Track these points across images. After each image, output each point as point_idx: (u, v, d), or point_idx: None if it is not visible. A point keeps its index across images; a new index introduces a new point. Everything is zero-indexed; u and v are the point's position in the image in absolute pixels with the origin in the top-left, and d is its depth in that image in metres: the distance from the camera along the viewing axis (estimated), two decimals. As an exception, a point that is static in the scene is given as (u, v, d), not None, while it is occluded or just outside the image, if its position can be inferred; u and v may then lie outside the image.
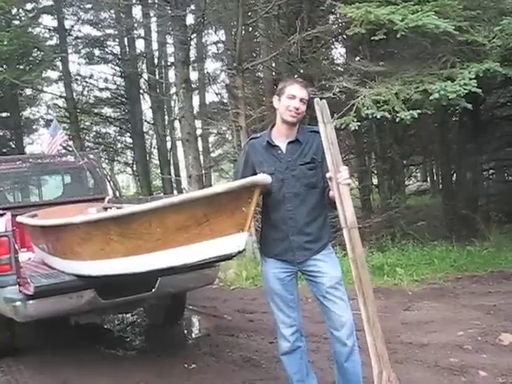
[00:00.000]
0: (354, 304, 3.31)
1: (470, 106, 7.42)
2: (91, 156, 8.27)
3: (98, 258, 4.02)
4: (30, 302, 4.42)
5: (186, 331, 6.58)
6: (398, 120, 7.28)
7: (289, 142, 3.34)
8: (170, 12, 10.73)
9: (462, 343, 4.86)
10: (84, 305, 4.65)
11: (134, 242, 3.59)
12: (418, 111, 7.17)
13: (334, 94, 7.82)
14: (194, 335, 6.44)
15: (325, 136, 3.17)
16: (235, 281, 8.42)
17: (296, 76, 11.60)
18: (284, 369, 3.58)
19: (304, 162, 3.30)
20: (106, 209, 6.56)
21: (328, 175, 3.10)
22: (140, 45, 20.45)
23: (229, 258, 3.35)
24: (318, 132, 3.32)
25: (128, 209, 3.77)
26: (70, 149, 8.17)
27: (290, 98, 3.28)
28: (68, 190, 7.78)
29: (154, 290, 4.89)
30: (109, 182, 8.09)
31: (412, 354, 4.68)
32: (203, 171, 16.94)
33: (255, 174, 3.30)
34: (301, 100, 3.28)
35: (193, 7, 11.93)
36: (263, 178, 2.97)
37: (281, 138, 3.36)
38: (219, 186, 3.13)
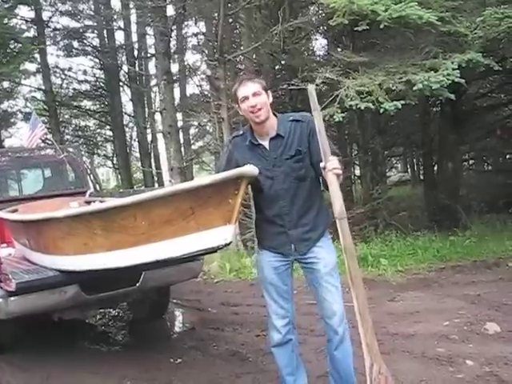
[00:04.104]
0: (346, 296, 3.29)
1: (453, 96, 7.45)
2: (71, 149, 8.16)
3: (82, 253, 3.95)
4: (12, 298, 4.33)
5: (170, 325, 6.52)
6: (381, 111, 7.27)
7: (271, 139, 3.25)
8: (150, 3, 10.60)
9: (448, 333, 4.87)
10: (67, 300, 4.57)
11: (119, 235, 3.53)
12: (402, 102, 7.17)
13: (316, 85, 7.75)
14: (179, 329, 6.38)
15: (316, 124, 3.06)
16: (219, 274, 8.38)
17: (277, 67, 11.59)
18: (274, 361, 3.53)
19: (289, 155, 3.22)
20: (87, 202, 6.46)
21: (321, 165, 3.00)
22: (120, 36, 20.29)
23: (215, 250, 3.30)
24: (298, 120, 3.26)
25: (112, 202, 3.69)
26: (50, 142, 8.04)
27: (243, 101, 3.21)
28: (49, 183, 7.68)
29: (138, 284, 4.82)
30: (89, 175, 7.99)
31: (399, 345, 4.68)
32: (184, 164, 16.91)
33: None
34: (253, 95, 3.16)
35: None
36: (250, 169, 2.91)
37: (262, 135, 3.27)
38: (205, 177, 3.08)
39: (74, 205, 6.40)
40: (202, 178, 3.13)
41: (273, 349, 3.47)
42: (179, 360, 4.86)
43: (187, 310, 6.91)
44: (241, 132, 3.44)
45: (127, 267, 3.66)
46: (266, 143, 3.26)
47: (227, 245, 3.13)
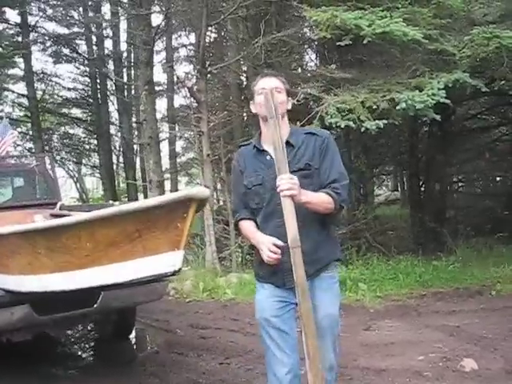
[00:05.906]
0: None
1: (438, 117, 7.21)
2: (45, 158, 7.84)
3: (26, 273, 3.72)
4: (-46, 319, 4.04)
5: (134, 347, 6.22)
6: (363, 130, 6.99)
7: None
8: (133, 11, 10.37)
9: (421, 369, 4.55)
10: (17, 321, 4.28)
11: (63, 256, 3.32)
12: (385, 121, 6.92)
13: (297, 100, 7.44)
14: (141, 352, 6.02)
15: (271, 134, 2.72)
16: (192, 293, 8.03)
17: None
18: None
19: (297, 168, 2.79)
20: (55, 216, 6.16)
21: (277, 183, 2.64)
22: (108, 45, 20.06)
23: (164, 277, 3.04)
24: (314, 134, 2.92)
25: (55, 221, 3.46)
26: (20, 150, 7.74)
27: (260, 93, 2.85)
28: (17, 194, 7.37)
29: (95, 305, 4.50)
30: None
31: (368, 381, 4.37)
32: (170, 176, 16.63)
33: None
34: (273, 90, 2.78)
35: (157, 8, 11.57)
36: (200, 191, 2.71)
37: (269, 141, 2.78)
38: (152, 198, 2.85)
39: (39, 218, 6.10)
40: (148, 199, 2.88)
41: None
42: (135, 388, 4.56)
43: (154, 330, 6.56)
44: (247, 142, 3.12)
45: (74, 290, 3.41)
46: (272, 150, 2.79)
47: (176, 272, 2.89)
